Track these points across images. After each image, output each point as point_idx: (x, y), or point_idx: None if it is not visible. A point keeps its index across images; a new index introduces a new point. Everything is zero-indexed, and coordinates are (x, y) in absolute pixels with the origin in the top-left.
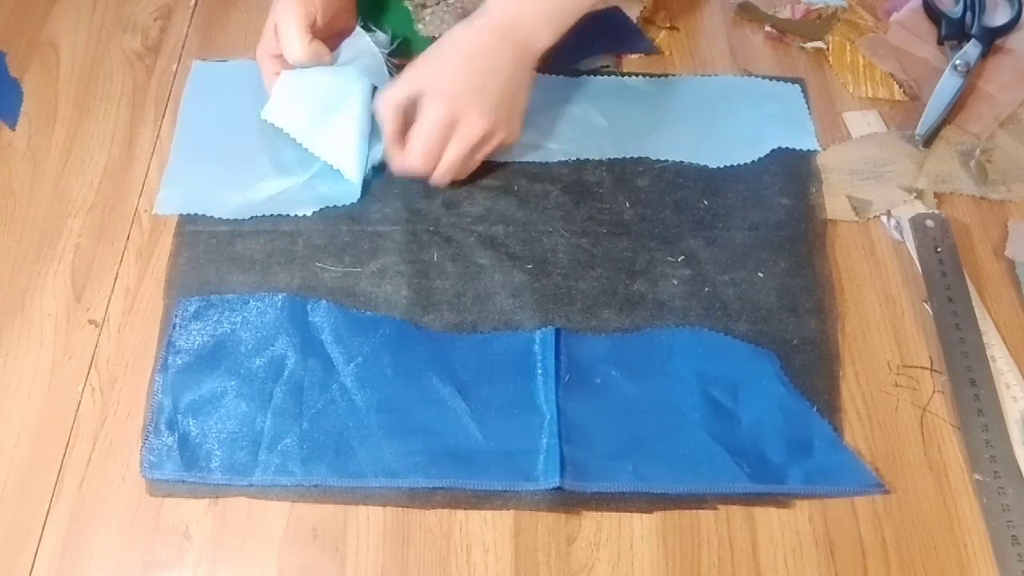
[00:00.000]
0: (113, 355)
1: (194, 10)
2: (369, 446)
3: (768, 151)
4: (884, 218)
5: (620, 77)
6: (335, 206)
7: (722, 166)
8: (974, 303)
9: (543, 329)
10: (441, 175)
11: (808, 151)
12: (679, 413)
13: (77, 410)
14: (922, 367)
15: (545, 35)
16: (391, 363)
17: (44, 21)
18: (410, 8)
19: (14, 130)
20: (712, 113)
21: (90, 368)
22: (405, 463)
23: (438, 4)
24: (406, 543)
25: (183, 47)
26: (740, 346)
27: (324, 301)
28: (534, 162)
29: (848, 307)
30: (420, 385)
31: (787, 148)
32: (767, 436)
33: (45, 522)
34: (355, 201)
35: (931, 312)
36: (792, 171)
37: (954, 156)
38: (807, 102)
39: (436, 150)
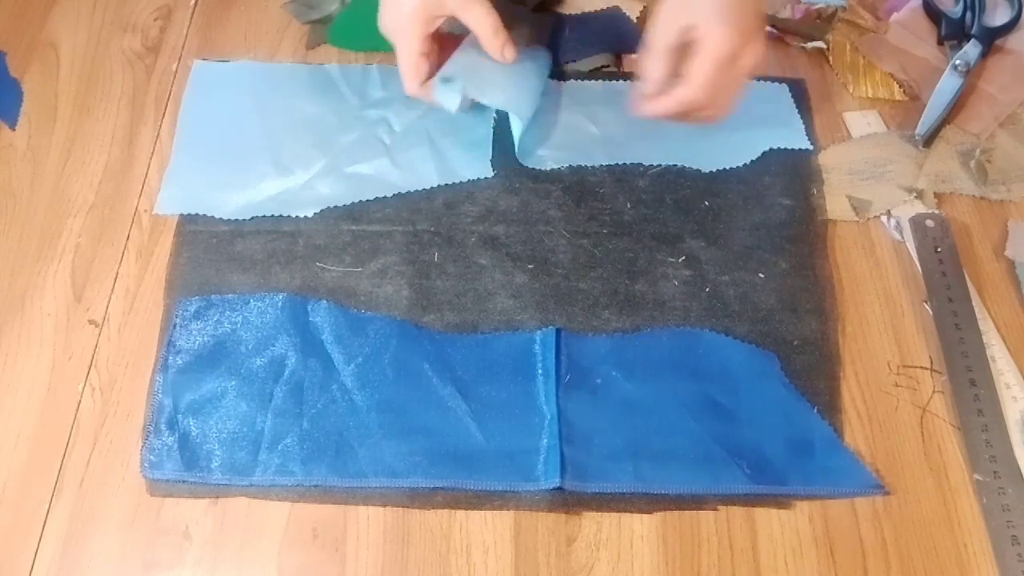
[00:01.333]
0: (113, 355)
1: (194, 10)
2: (369, 446)
3: (759, 154)
4: (884, 218)
5: (609, 82)
6: (337, 205)
7: (715, 170)
8: (974, 303)
9: (543, 329)
10: (725, 110)
11: (806, 150)
12: (679, 414)
13: (77, 410)
14: (922, 367)
15: None
16: (391, 363)
17: (44, 21)
18: None
19: (14, 130)
20: None
21: (90, 368)
22: (405, 463)
23: None
24: (406, 543)
25: (183, 47)
26: (740, 347)
27: (325, 301)
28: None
29: (848, 307)
30: (420, 385)
31: (781, 149)
32: (767, 437)
33: (45, 522)
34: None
35: (931, 312)
36: (793, 172)
37: (954, 156)
38: (806, 101)
39: (723, 78)
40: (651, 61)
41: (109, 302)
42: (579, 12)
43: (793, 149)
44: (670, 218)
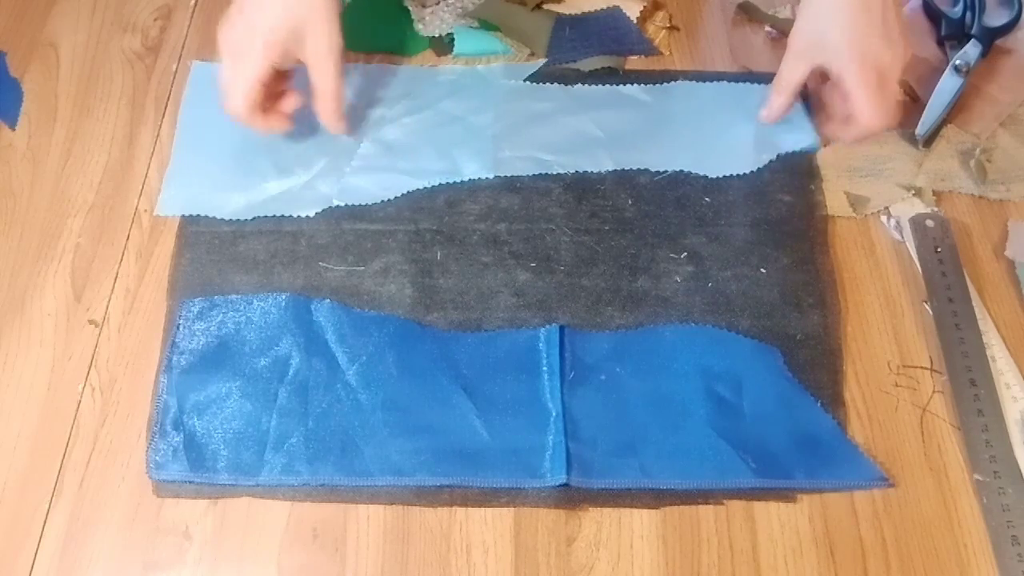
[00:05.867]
0: (113, 355)
1: (194, 10)
2: (375, 445)
3: (767, 162)
4: (884, 218)
5: (615, 86)
6: (339, 205)
7: (722, 176)
8: (974, 303)
9: (547, 327)
10: (893, 119)
11: (808, 150)
12: (684, 409)
13: (77, 410)
14: (922, 367)
15: None
16: (396, 362)
17: (44, 21)
18: (410, 8)
19: (14, 130)
20: (709, 122)
21: (90, 368)
22: (411, 461)
23: (438, 4)
24: (406, 543)
25: (183, 47)
26: (743, 342)
27: (328, 300)
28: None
29: (848, 307)
30: (425, 383)
31: (785, 156)
32: (771, 431)
33: (45, 522)
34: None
35: (931, 312)
36: (792, 168)
37: (954, 155)
38: (806, 102)
39: (884, 101)
40: (779, 95)
41: (109, 302)
42: (579, 12)
43: (795, 151)
44: (671, 215)
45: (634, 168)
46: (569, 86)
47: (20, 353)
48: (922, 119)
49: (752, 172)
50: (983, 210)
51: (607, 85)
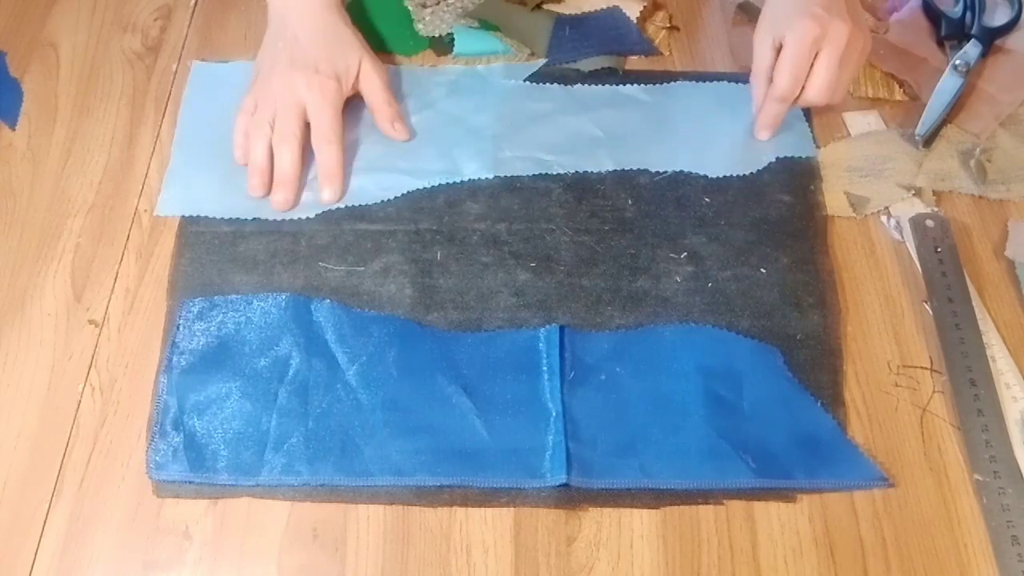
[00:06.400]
0: (113, 355)
1: (194, 10)
2: (375, 445)
3: (766, 163)
4: (884, 218)
5: (615, 86)
6: (339, 206)
7: (722, 176)
8: (974, 303)
9: (547, 327)
10: (819, 92)
11: (806, 157)
12: (684, 409)
13: (77, 410)
14: (922, 367)
15: None
16: (396, 362)
17: (44, 21)
18: (410, 8)
19: (14, 130)
20: (709, 122)
21: (90, 368)
22: (411, 461)
23: (438, 4)
24: (406, 543)
25: (183, 47)
26: (743, 342)
27: (328, 300)
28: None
29: (848, 307)
30: (425, 383)
31: (786, 157)
32: (771, 431)
33: (45, 522)
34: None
35: (931, 312)
36: (792, 169)
37: (954, 155)
38: (807, 110)
39: (805, 67)
40: (755, 85)
41: (109, 302)
42: (579, 12)
43: (793, 157)
44: (671, 215)
45: (634, 168)
46: (569, 86)
47: (20, 353)
48: (922, 119)
49: (752, 173)
50: (983, 210)
51: (607, 85)
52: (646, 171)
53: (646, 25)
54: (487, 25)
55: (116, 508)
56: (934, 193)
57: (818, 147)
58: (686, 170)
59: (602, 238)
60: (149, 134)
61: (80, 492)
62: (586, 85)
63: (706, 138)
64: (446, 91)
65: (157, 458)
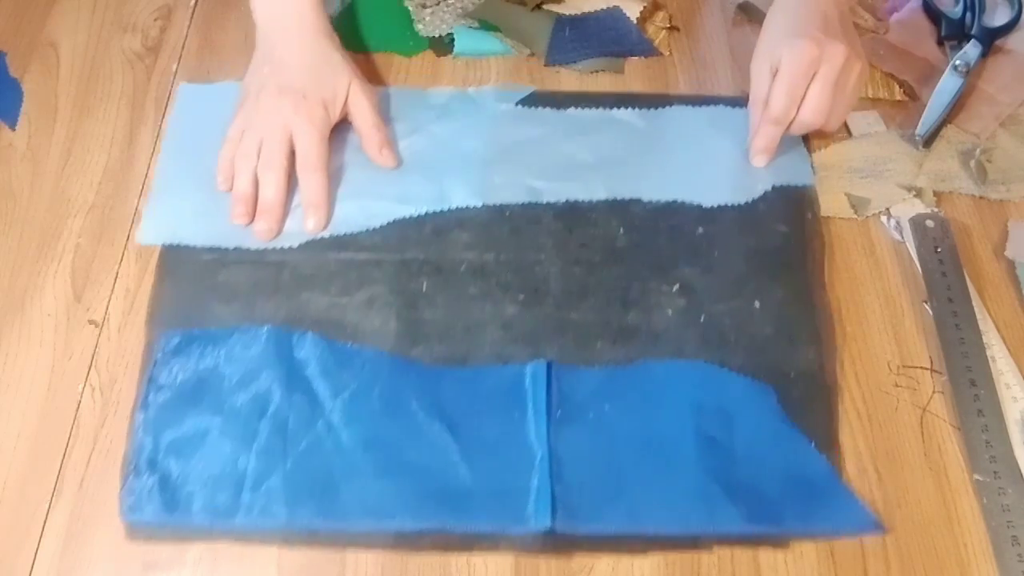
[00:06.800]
0: (113, 355)
1: (194, 10)
2: (355, 486)
3: (762, 192)
4: (884, 218)
5: (608, 110)
6: (324, 236)
7: (716, 205)
8: (974, 303)
9: (534, 363)
10: (811, 112)
11: (803, 186)
12: (674, 450)
13: (77, 410)
14: (922, 367)
15: None
16: (378, 399)
17: (44, 21)
18: (410, 8)
19: (14, 130)
20: (704, 149)
21: (90, 368)
22: (392, 503)
23: (438, 4)
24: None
25: (183, 47)
26: (736, 379)
27: (310, 333)
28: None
29: (848, 307)
30: (408, 422)
31: (783, 185)
32: (764, 474)
33: (45, 522)
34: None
35: (931, 312)
36: (790, 197)
37: (954, 156)
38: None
39: (800, 88)
40: (753, 112)
41: (109, 302)
42: (579, 12)
43: (791, 185)
44: (664, 245)
45: (627, 197)
46: (562, 110)
47: (20, 353)
48: (922, 119)
49: (748, 202)
50: (983, 210)
51: (601, 109)
52: (639, 199)
53: (646, 25)
54: (487, 25)
55: (116, 508)
56: (935, 194)
57: (815, 171)
58: (680, 199)
59: (592, 269)
60: (149, 134)
61: (80, 492)
62: (579, 109)
63: (701, 165)
64: (436, 115)
65: (131, 500)
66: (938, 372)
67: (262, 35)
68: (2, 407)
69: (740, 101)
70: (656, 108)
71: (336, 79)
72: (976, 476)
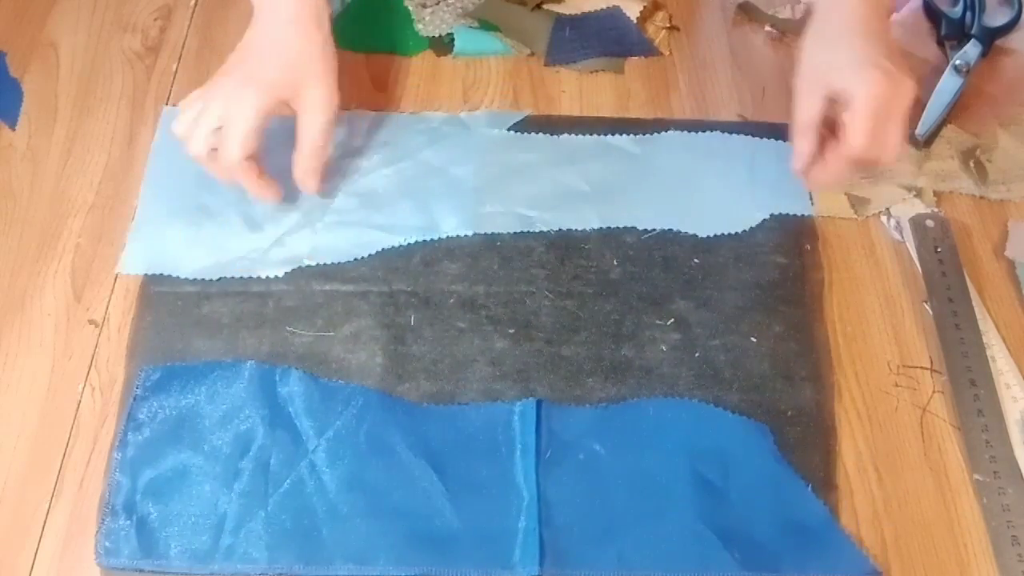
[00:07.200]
0: (113, 355)
1: (194, 10)
2: (338, 529)
3: (759, 221)
4: (884, 218)
5: (603, 136)
6: (314, 264)
7: (712, 235)
8: (974, 303)
9: (523, 401)
10: (892, 152)
11: (801, 215)
12: (667, 493)
13: (77, 410)
14: (922, 367)
15: None
16: (364, 438)
17: (44, 21)
18: (410, 8)
19: (14, 130)
20: (700, 176)
21: (90, 368)
22: (375, 547)
23: (438, 4)
24: None
25: (183, 47)
26: (731, 419)
27: (294, 369)
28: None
29: (848, 307)
30: (393, 463)
31: (780, 215)
32: (759, 518)
33: (45, 522)
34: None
35: (931, 312)
36: (787, 227)
37: (954, 156)
38: None
39: (882, 128)
40: (801, 139)
41: (109, 302)
42: (579, 12)
43: (788, 215)
44: (658, 277)
45: (621, 226)
46: (555, 136)
47: (20, 353)
48: (922, 119)
49: (744, 231)
50: (983, 210)
51: (595, 135)
52: (633, 229)
53: (646, 25)
54: (487, 25)
55: None
56: (935, 194)
57: (813, 202)
58: (675, 228)
59: (585, 302)
60: (149, 134)
61: (80, 492)
62: (573, 135)
63: (697, 194)
64: (427, 140)
65: (107, 543)
66: (938, 372)
67: (258, 15)
68: (2, 407)
69: (737, 127)
70: (652, 134)
71: (309, 83)
72: (976, 476)
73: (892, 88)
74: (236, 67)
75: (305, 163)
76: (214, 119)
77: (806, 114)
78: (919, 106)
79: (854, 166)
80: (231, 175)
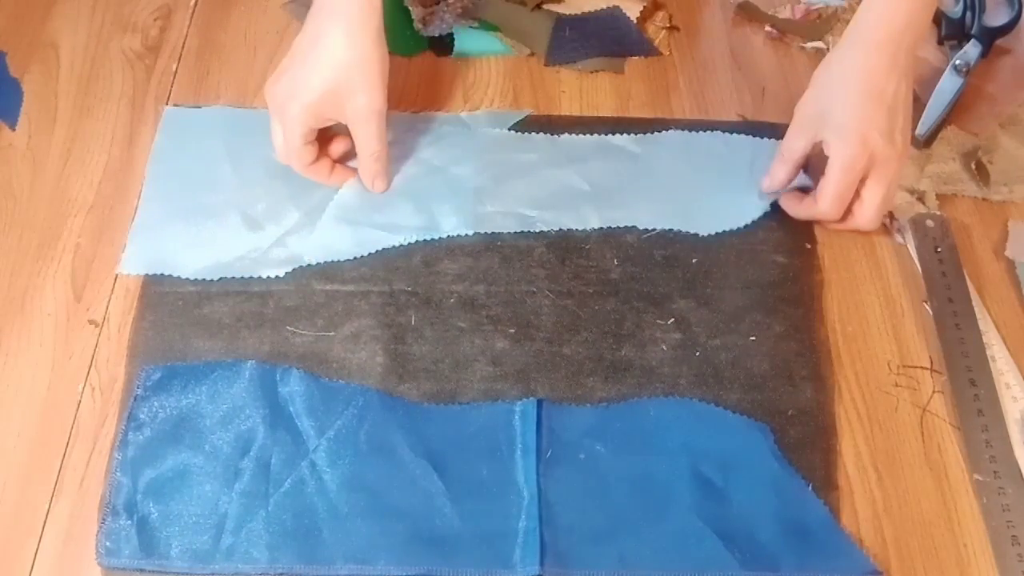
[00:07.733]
0: (113, 355)
1: (194, 10)
2: (338, 529)
3: (760, 214)
4: (884, 218)
5: (603, 136)
6: (310, 264)
7: (713, 233)
8: (974, 303)
9: (524, 401)
10: (869, 222)
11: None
12: (667, 492)
13: (77, 410)
14: (922, 367)
15: (925, 36)
16: (365, 437)
17: (44, 21)
18: (410, 8)
19: (14, 130)
20: (701, 175)
21: (90, 368)
22: (376, 547)
23: (438, 4)
24: None
25: (183, 47)
26: (732, 419)
27: (295, 369)
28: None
29: (848, 307)
30: (394, 462)
31: (780, 214)
32: (759, 518)
33: (45, 522)
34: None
35: (931, 312)
36: (788, 226)
37: (955, 157)
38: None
39: (850, 194)
40: (780, 166)
41: (109, 302)
42: (579, 12)
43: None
44: (659, 276)
45: (621, 225)
46: (556, 135)
47: (20, 353)
48: (922, 119)
49: (745, 229)
50: (983, 210)
51: (595, 135)
52: (633, 228)
53: (646, 25)
54: (487, 25)
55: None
56: (937, 196)
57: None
58: (675, 228)
59: (585, 302)
60: (149, 134)
61: (80, 492)
62: (573, 134)
63: (697, 192)
64: (428, 140)
65: (108, 543)
66: (938, 372)
67: (312, 13)
68: (2, 407)
69: (737, 127)
70: (652, 133)
71: (354, 93)
72: (976, 476)
73: (864, 161)
74: (286, 72)
75: (368, 170)
76: (279, 136)
77: (790, 147)
78: (919, 106)
79: (825, 221)
80: (313, 178)
